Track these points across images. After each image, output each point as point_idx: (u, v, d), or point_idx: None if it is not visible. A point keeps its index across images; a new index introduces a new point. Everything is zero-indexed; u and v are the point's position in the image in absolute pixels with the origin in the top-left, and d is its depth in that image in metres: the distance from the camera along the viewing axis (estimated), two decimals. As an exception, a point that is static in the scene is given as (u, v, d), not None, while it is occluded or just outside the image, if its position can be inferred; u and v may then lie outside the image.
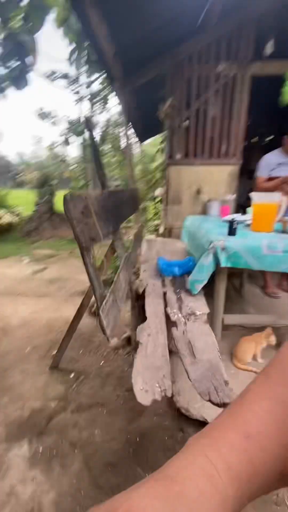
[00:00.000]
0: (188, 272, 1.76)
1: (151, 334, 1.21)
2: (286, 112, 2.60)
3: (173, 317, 1.31)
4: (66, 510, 1.05)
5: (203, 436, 0.22)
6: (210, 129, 2.63)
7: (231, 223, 1.54)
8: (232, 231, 1.54)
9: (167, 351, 1.10)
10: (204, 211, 2.76)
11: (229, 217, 1.90)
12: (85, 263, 1.01)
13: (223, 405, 0.82)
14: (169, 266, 1.81)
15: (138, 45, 2.20)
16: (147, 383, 0.93)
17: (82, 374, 1.86)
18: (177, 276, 1.80)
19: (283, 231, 1.65)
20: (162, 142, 4.93)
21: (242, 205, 2.75)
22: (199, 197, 2.75)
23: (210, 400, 0.85)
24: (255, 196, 1.68)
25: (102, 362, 2.01)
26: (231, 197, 2.64)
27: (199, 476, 0.18)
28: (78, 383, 1.77)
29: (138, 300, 1.79)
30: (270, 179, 2.49)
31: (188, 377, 0.94)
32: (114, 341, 2.24)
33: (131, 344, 2.17)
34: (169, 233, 2.96)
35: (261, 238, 1.50)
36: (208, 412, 1.34)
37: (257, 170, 2.55)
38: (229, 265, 1.46)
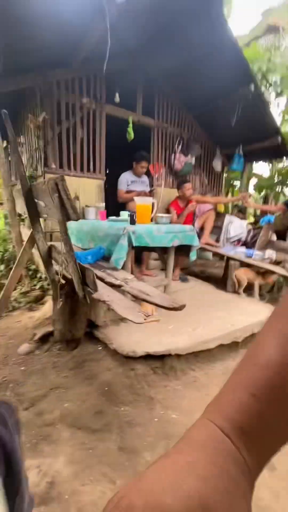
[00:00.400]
0: (99, 258, 2.17)
1: (109, 295, 1.54)
2: (133, 145, 3.61)
3: (116, 282, 1.70)
4: (81, 462, 1.16)
5: (211, 404, 0.22)
6: (80, 148, 3.12)
7: (132, 216, 2.15)
8: (133, 222, 2.15)
9: (128, 299, 1.51)
10: (83, 216, 3.17)
11: (127, 212, 2.48)
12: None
13: (182, 306, 1.38)
14: (84, 255, 2.11)
15: (15, 55, 2.32)
16: (134, 314, 1.31)
17: (9, 383, 1.71)
18: (91, 263, 2.14)
19: (156, 222, 2.48)
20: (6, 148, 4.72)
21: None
22: (77, 203, 3.14)
23: (174, 308, 1.37)
24: (137, 200, 2.40)
25: (23, 367, 1.91)
26: (102, 204, 3.26)
27: (206, 443, 0.18)
28: (12, 389, 1.64)
29: (63, 288, 1.95)
30: (128, 192, 3.38)
31: (155, 304, 1.41)
32: (24, 347, 2.13)
33: (49, 340, 2.17)
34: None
35: (150, 226, 2.23)
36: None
37: (118, 184, 3.37)
38: (136, 244, 2.05)
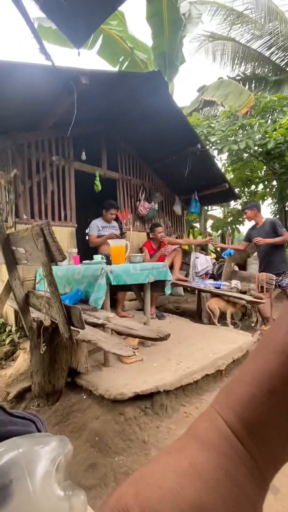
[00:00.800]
0: (77, 301, 2.17)
1: (93, 334, 1.55)
2: (101, 195, 3.91)
3: (99, 321, 1.71)
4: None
5: (222, 391, 0.20)
6: (51, 199, 3.29)
7: (108, 257, 2.25)
8: (109, 262, 2.25)
9: (114, 335, 1.52)
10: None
11: (100, 256, 2.59)
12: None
13: (167, 335, 1.44)
14: (62, 299, 2.10)
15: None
16: (122, 349, 1.33)
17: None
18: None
19: (131, 262, 2.61)
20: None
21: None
22: (49, 251, 3.18)
23: (160, 338, 1.42)
24: (111, 242, 2.55)
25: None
26: (75, 250, 3.34)
27: (212, 442, 0.17)
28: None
29: (42, 336, 1.88)
30: (98, 236, 3.55)
31: (141, 336, 1.45)
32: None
33: (25, 398, 1.98)
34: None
35: (127, 265, 2.34)
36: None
37: (89, 230, 3.54)
38: (115, 282, 2.12)
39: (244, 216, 3.64)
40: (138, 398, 1.75)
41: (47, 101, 2.74)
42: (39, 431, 0.43)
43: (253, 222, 3.58)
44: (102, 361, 2.23)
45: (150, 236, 3.84)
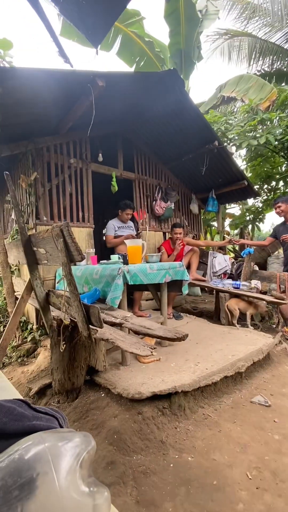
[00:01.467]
0: (95, 300, 2.20)
1: (112, 334, 1.56)
2: (118, 195, 3.95)
3: (117, 321, 1.72)
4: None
5: None
6: (69, 201, 3.37)
7: (124, 257, 2.27)
8: (126, 262, 2.26)
9: (131, 335, 1.53)
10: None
11: (117, 256, 2.62)
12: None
13: (185, 336, 1.42)
14: (81, 298, 2.14)
15: (8, 127, 2.65)
16: (139, 348, 1.33)
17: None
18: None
19: (147, 261, 2.62)
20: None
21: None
22: (68, 251, 3.25)
23: (178, 338, 1.41)
24: (128, 242, 2.56)
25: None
26: (92, 250, 3.40)
27: None
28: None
29: (62, 334, 1.93)
30: (116, 237, 3.58)
31: (159, 336, 1.45)
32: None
33: (46, 394, 2.04)
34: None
35: (143, 265, 2.35)
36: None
37: (106, 231, 3.58)
38: (132, 282, 2.13)
39: (275, 211, 3.47)
40: (156, 397, 1.75)
41: (65, 105, 2.80)
42: (61, 427, 0.44)
43: (282, 219, 3.46)
44: (120, 360, 2.25)
45: (169, 236, 3.83)
